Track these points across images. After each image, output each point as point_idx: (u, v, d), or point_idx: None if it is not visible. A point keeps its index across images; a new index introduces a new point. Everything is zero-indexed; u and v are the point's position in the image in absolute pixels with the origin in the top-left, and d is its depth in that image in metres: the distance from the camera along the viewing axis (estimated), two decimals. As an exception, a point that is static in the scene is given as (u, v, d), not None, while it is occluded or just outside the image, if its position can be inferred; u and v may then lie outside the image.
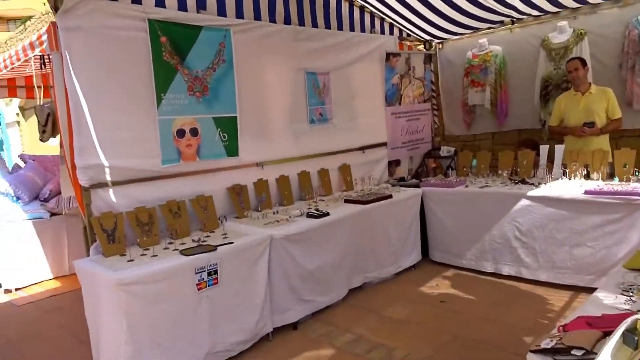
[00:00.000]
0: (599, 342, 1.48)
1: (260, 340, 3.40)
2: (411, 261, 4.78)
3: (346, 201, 4.42)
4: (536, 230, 4.10)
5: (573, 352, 1.47)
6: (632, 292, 1.98)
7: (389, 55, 5.47)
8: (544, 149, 4.75)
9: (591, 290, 3.79)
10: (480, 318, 3.61)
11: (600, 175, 4.26)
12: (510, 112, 5.87)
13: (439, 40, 6.29)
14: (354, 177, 5.08)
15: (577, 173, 4.33)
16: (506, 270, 4.34)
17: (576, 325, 1.68)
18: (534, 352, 1.56)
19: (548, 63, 5.36)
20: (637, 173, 4.03)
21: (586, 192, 3.83)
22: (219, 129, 3.86)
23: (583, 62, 4.56)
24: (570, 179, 4.35)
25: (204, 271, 2.95)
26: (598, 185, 3.95)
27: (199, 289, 2.94)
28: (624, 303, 1.90)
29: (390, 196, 4.51)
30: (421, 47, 6.32)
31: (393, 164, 5.74)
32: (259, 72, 4.24)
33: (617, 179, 4.14)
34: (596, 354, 1.43)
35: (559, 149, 4.62)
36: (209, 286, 2.99)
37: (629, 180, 4.02)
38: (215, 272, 3.02)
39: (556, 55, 5.29)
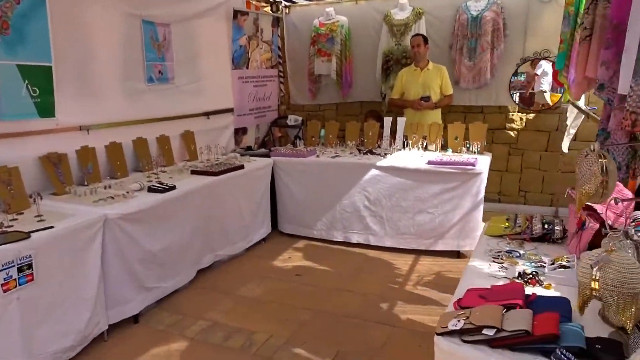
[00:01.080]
0: (503, 317, 1.43)
1: (93, 342, 2.79)
2: (261, 235, 4.54)
3: (193, 172, 3.93)
4: (384, 199, 4.23)
5: (484, 331, 1.39)
6: (501, 259, 2.05)
7: (236, 13, 5.00)
8: (387, 121, 4.92)
9: (431, 252, 4.13)
10: (337, 289, 3.58)
11: (435, 146, 4.57)
12: (354, 83, 5.96)
13: (286, 3, 6.02)
14: (198, 145, 4.57)
15: (418, 144, 4.59)
16: (355, 238, 4.41)
17: (470, 299, 1.64)
18: (442, 334, 1.45)
19: (390, 38, 5.54)
20: (468, 145, 4.41)
21: (429, 163, 4.05)
22: (26, 81, 2.98)
23: (425, 40, 4.81)
24: (411, 150, 4.58)
25: (12, 266, 2.24)
26: (438, 156, 4.22)
27: (4, 291, 2.22)
28: (499, 270, 1.94)
29: (242, 166, 4.16)
30: (268, 8, 5.97)
31: (240, 132, 5.37)
32: (82, 12, 3.40)
33: (450, 150, 4.50)
34: (505, 330, 1.37)
35: (401, 121, 4.83)
36: (20, 285, 2.28)
37: (460, 152, 4.40)
38: (30, 266, 2.32)
39: (397, 31, 5.49)
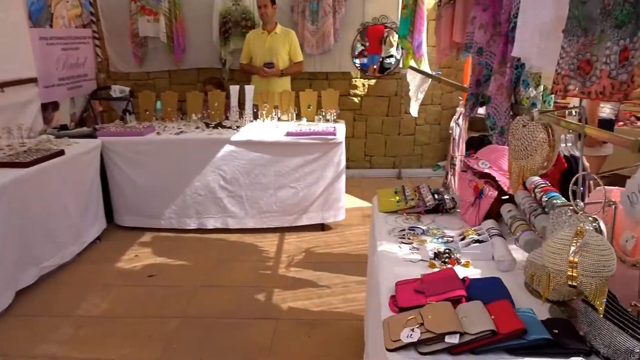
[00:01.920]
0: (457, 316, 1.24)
1: None
2: (95, 233, 3.75)
3: (-10, 164, 2.95)
4: (242, 177, 3.83)
5: (447, 339, 1.18)
6: (409, 238, 1.90)
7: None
8: (233, 90, 4.45)
9: (295, 228, 3.91)
10: (202, 287, 3.12)
11: (289, 116, 4.31)
12: (188, 48, 5.30)
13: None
14: (-8, 127, 3.49)
15: (271, 115, 4.27)
16: (212, 223, 3.94)
17: (406, 297, 1.41)
18: (395, 350, 1.19)
19: (226, -3, 5.01)
20: (322, 113, 4.25)
21: (288, 134, 3.78)
22: None
23: (272, 0, 4.41)
24: (264, 121, 4.24)
25: None
26: (295, 127, 3.96)
27: None
28: (412, 252, 1.77)
29: (61, 152, 3.29)
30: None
31: (49, 108, 4.30)
32: None
33: (304, 119, 4.28)
34: (468, 333, 1.17)
35: (249, 89, 4.41)
36: None
37: (314, 120, 4.23)
38: None
39: (235, -11, 4.98)
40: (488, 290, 1.42)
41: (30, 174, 2.93)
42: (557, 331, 1.20)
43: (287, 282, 3.13)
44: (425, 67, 4.30)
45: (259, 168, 3.81)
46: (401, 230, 1.97)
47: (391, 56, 5.40)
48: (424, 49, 4.24)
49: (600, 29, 1.27)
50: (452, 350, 1.18)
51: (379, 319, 1.44)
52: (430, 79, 4.23)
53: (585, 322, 1.22)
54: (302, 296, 2.96)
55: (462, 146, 3.02)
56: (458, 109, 3.08)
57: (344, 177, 3.91)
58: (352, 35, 5.26)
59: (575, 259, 1.05)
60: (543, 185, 1.73)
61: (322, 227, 4.00)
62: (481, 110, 5.39)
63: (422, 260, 1.71)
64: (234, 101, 4.44)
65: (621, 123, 4.13)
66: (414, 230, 1.97)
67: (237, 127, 4.05)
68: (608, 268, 1.07)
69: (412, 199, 2.20)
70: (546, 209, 1.64)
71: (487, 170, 1.94)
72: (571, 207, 1.24)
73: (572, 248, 1.07)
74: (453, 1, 2.78)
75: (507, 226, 1.83)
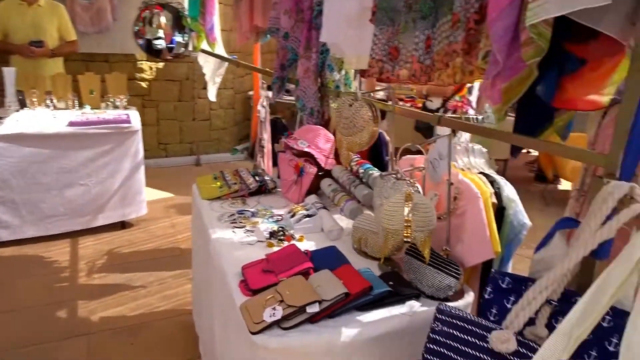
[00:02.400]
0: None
1: None
2: None
3: None
4: (14, 178, 3.18)
5: (308, 309, 1.22)
6: (241, 222, 1.88)
7: None
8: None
9: (90, 231, 3.47)
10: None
11: (68, 103, 3.75)
12: None
13: None
14: None
15: (44, 102, 3.64)
16: (-24, 238, 3.19)
17: (256, 279, 1.41)
18: (260, 332, 1.19)
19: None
20: (110, 100, 3.82)
21: (71, 124, 3.29)
22: None
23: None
24: (35, 110, 3.59)
25: None
26: (79, 116, 3.48)
27: None
28: (247, 235, 1.77)
29: None
30: None
31: None
32: None
33: (88, 106, 3.78)
34: (326, 300, 1.25)
35: (9, 72, 3.65)
36: None
37: (99, 108, 3.79)
38: None
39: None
40: (329, 259, 1.53)
41: None
42: (392, 283, 1.38)
43: (93, 291, 2.77)
44: (220, 50, 4.26)
45: (37, 166, 3.22)
46: (230, 215, 1.94)
47: (159, 38, 5.15)
48: (217, 32, 4.18)
49: (405, 20, 1.48)
50: (312, 319, 1.24)
51: (230, 306, 1.42)
52: (227, 63, 4.21)
53: (411, 270, 1.43)
54: (114, 303, 2.67)
55: (269, 128, 3.12)
56: (262, 92, 3.16)
57: (142, 168, 3.62)
58: (133, 14, 4.84)
59: (409, 218, 1.22)
60: (357, 159, 1.94)
61: (122, 224, 3.64)
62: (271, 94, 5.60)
63: (259, 241, 1.73)
64: (-14, 86, 3.63)
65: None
66: (243, 213, 1.97)
67: (0, 117, 3.33)
68: (432, 223, 1.28)
69: (235, 183, 2.19)
70: (363, 179, 1.85)
71: (306, 149, 2.06)
72: (394, 175, 1.42)
73: (406, 209, 1.23)
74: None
75: (329, 199, 1.99)
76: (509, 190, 1.41)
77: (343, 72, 2.28)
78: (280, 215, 1.95)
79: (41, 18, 3.81)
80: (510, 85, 1.22)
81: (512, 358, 0.87)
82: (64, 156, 3.28)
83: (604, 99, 1.08)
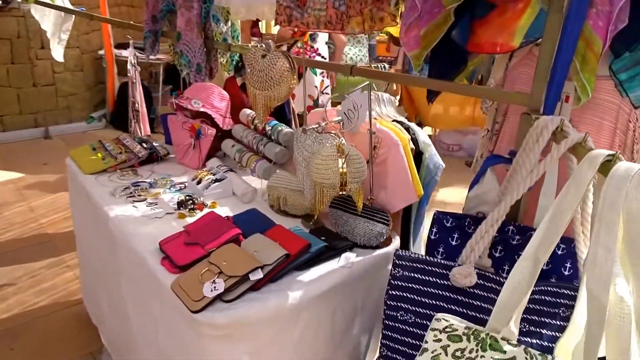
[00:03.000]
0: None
1: None
2: None
3: None
4: None
5: (251, 277, 1.15)
6: (139, 195, 1.67)
7: None
8: None
9: None
10: None
11: None
12: None
13: None
14: None
15: None
16: None
17: (182, 253, 1.27)
18: (202, 310, 1.08)
19: None
20: None
21: None
22: None
23: None
24: None
25: None
26: None
27: None
28: (152, 209, 1.59)
29: None
30: None
31: None
32: None
33: None
34: (267, 264, 1.20)
35: None
36: None
37: None
38: None
39: None
40: (253, 222, 1.46)
41: None
42: (323, 238, 1.38)
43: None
44: (62, 1, 3.64)
45: None
46: (125, 189, 1.73)
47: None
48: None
49: (311, -36, 1.40)
50: (255, 286, 1.18)
51: (153, 287, 1.29)
52: (74, 16, 3.62)
53: (339, 223, 1.44)
54: (-23, 306, 2.25)
55: (141, 89, 2.80)
56: (130, 50, 2.79)
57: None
58: None
59: (345, 170, 1.21)
60: (260, 116, 1.85)
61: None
62: (125, 53, 5.08)
63: (167, 213, 1.58)
64: None
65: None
66: (139, 185, 1.77)
67: None
68: (364, 173, 1.28)
69: (120, 153, 1.94)
70: (272, 137, 1.77)
71: (201, 109, 1.90)
72: (315, 129, 1.38)
73: (340, 162, 1.21)
74: None
75: (235, 160, 1.88)
76: (423, 136, 1.47)
77: (229, 23, 2.11)
78: (182, 183, 1.79)
79: None
80: (427, 30, 1.25)
81: (473, 291, 0.93)
82: None
83: (514, 42, 1.16)
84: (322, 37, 3.66)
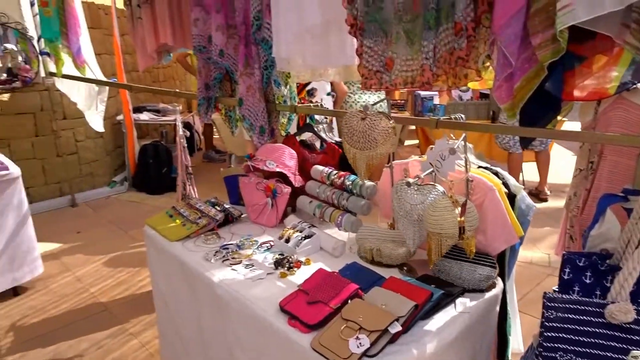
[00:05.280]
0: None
1: None
2: None
3: None
4: None
5: (390, 329, 1.19)
6: (234, 258, 1.71)
7: None
8: None
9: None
10: None
11: None
12: None
13: None
14: None
15: None
16: None
17: (306, 312, 1.31)
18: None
19: None
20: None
21: None
22: None
23: None
24: None
25: None
26: None
27: None
28: (251, 271, 1.62)
29: None
30: None
31: None
32: None
33: None
34: (401, 316, 1.24)
35: None
36: None
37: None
38: None
39: None
40: (360, 275, 1.51)
41: None
42: (434, 285, 1.43)
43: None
44: (94, 73, 3.77)
45: None
46: (216, 253, 1.78)
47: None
48: (88, 53, 3.71)
49: (396, 31, 1.52)
50: (393, 338, 1.22)
51: (285, 348, 1.32)
52: (108, 87, 3.75)
53: (443, 270, 1.50)
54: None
55: (187, 153, 2.88)
56: (178, 116, 2.89)
57: (30, 220, 3.05)
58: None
59: (463, 220, 1.28)
60: (336, 172, 1.93)
61: (14, 291, 3.02)
62: (143, 116, 5.20)
63: (268, 274, 1.62)
64: None
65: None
66: (227, 248, 1.82)
67: None
68: (477, 220, 1.36)
69: (200, 218, 2.00)
70: (354, 191, 1.85)
71: (277, 169, 1.98)
72: (412, 183, 1.46)
73: (456, 211, 1.29)
74: (150, 1, 2.57)
75: (315, 216, 1.95)
76: (512, 180, 1.56)
77: (289, 87, 2.23)
78: (267, 242, 1.85)
79: None
80: (521, 84, 1.36)
81: (630, 326, 0.99)
82: None
83: (610, 90, 1.28)
84: (322, 90, 3.73)
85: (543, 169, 4.53)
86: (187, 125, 6.33)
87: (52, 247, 3.72)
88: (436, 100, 5.03)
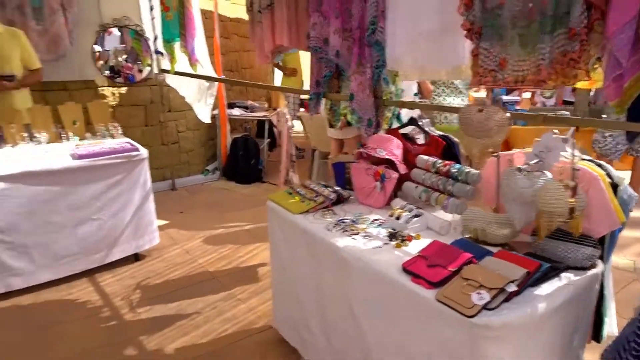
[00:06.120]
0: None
1: None
2: None
3: None
4: (23, 221, 2.93)
5: (507, 288, 1.40)
6: (352, 230, 1.98)
7: None
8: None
9: (104, 267, 3.28)
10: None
11: (48, 136, 3.50)
12: None
13: None
14: None
15: (23, 136, 3.37)
16: (-14, 291, 2.88)
17: (428, 272, 1.55)
18: (476, 314, 1.34)
19: None
20: (106, 128, 3.64)
21: (79, 157, 3.10)
22: None
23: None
24: (14, 146, 3.31)
25: None
26: (82, 148, 3.27)
27: None
28: (369, 241, 1.88)
29: None
30: None
31: None
32: None
33: (76, 137, 3.57)
34: (515, 279, 1.44)
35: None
36: None
37: (85, 138, 3.59)
38: None
39: None
40: (471, 248, 1.72)
41: None
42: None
43: (147, 326, 2.66)
44: (206, 70, 4.22)
45: (47, 205, 2.99)
46: (335, 225, 2.05)
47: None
48: (202, 52, 4.15)
49: (511, 36, 1.73)
50: (509, 297, 1.43)
51: (410, 301, 1.55)
52: (217, 83, 4.19)
53: (548, 249, 1.67)
54: (178, 333, 2.59)
55: (292, 143, 3.20)
56: (284, 109, 3.24)
57: (152, 196, 3.50)
58: (90, 38, 4.59)
59: (574, 201, 1.47)
60: (441, 161, 2.15)
61: (135, 257, 3.48)
62: (234, 112, 5.60)
63: (385, 244, 1.87)
64: (-41, 124, 3.28)
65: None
66: (344, 222, 2.08)
67: (-13, 158, 3.04)
68: (585, 203, 1.53)
69: (316, 196, 2.29)
70: (459, 178, 2.05)
71: (386, 157, 2.23)
72: (522, 169, 1.66)
73: (567, 193, 1.47)
74: (271, 7, 2.90)
75: (419, 199, 2.17)
76: (615, 171, 1.71)
77: (397, 84, 2.47)
78: (378, 220, 2.09)
79: (2, 46, 3.53)
80: (629, 84, 1.52)
81: None
82: (74, 192, 3.09)
83: None
84: (409, 90, 3.88)
85: (637, 176, 4.45)
86: (269, 123, 6.76)
87: (161, 223, 4.18)
88: (518, 106, 5.09)
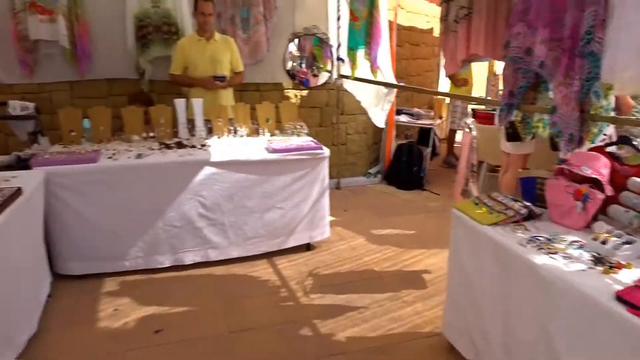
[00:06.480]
0: None
1: None
2: (45, 290, 2.91)
3: None
4: (224, 202, 3.40)
5: None
6: (549, 249, 1.91)
7: None
8: (180, 104, 3.92)
9: (279, 252, 3.61)
10: (231, 333, 2.68)
11: (247, 131, 3.97)
12: (95, 55, 4.48)
13: None
14: None
15: (228, 130, 3.88)
16: (190, 258, 3.40)
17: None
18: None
19: (143, -2, 4.39)
20: (295, 127, 4.03)
21: (275, 151, 3.47)
22: None
23: (214, 5, 4.02)
24: (219, 137, 3.83)
25: None
26: (276, 143, 3.66)
27: None
28: (571, 262, 1.79)
29: (19, 191, 2.48)
30: None
31: None
32: None
33: (268, 133, 4.00)
34: None
35: (197, 103, 3.94)
36: None
37: (274, 134, 3.98)
38: None
39: (154, -11, 4.40)
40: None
41: None
42: None
43: (320, 312, 2.88)
44: (388, 77, 4.39)
45: (244, 190, 3.43)
46: (529, 241, 1.98)
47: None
48: (384, 60, 4.33)
49: None
50: None
51: (623, 330, 1.44)
52: (396, 89, 4.34)
53: None
54: (348, 323, 2.75)
55: (474, 153, 3.17)
56: (468, 120, 3.23)
57: (327, 192, 3.76)
58: (283, 45, 5.09)
59: None
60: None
61: (307, 246, 3.77)
62: (402, 118, 5.67)
63: (589, 268, 1.75)
64: (182, 117, 3.92)
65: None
66: (538, 239, 2.00)
67: (203, 145, 3.58)
68: None
69: (506, 209, 2.23)
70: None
71: (592, 175, 2.08)
72: None
73: None
74: (468, 16, 2.91)
75: (630, 224, 1.99)
76: None
77: (608, 98, 2.29)
78: (577, 242, 1.96)
79: (217, 52, 4.10)
80: None
81: None
82: (267, 181, 3.47)
83: None
84: None
85: None
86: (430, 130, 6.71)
87: (329, 218, 4.46)
88: None
